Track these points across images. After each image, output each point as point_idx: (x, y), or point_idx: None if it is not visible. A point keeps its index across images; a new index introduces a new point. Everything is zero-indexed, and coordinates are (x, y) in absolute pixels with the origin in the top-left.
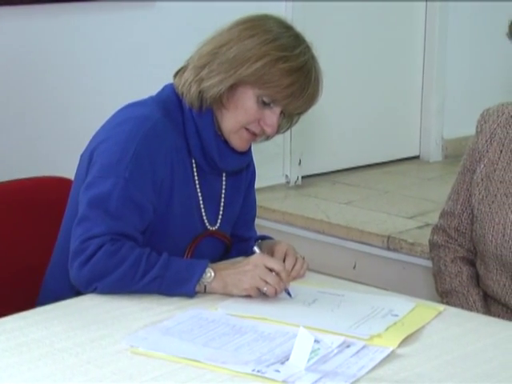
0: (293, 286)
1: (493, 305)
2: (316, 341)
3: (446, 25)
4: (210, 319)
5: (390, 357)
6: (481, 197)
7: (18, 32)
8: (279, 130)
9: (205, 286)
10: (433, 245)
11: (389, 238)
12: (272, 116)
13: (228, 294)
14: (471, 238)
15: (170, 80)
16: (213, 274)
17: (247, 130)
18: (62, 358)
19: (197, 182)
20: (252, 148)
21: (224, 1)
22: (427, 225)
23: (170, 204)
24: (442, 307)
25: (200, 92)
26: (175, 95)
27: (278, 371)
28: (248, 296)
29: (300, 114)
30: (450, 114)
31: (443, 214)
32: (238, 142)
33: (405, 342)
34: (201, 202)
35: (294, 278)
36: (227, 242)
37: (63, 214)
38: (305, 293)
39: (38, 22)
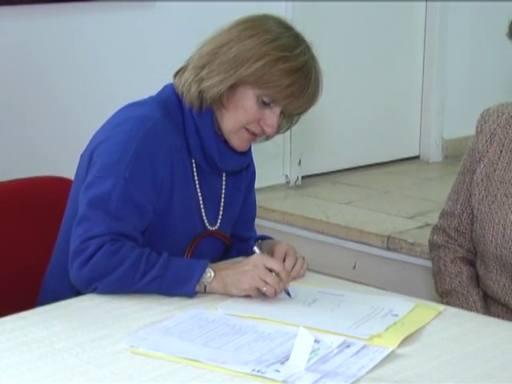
0: (293, 286)
1: (493, 305)
2: (316, 341)
3: (446, 25)
4: (210, 319)
5: (390, 357)
6: (481, 197)
7: (17, 32)
8: (279, 130)
9: (205, 286)
10: (433, 245)
11: (389, 238)
12: (272, 116)
13: (228, 294)
14: (471, 238)
15: (169, 80)
16: (213, 273)
17: (247, 130)
18: (62, 358)
19: (197, 182)
20: (252, 148)
21: (224, 1)
22: (427, 225)
23: (169, 204)
24: (441, 307)
25: (200, 92)
26: (175, 95)
27: (277, 371)
28: (248, 296)
29: (300, 114)
30: (450, 114)
31: (443, 214)
32: (237, 142)
33: (405, 342)
34: (201, 202)
35: (294, 278)
36: (227, 242)
37: (63, 214)
38: (305, 293)
39: (38, 21)
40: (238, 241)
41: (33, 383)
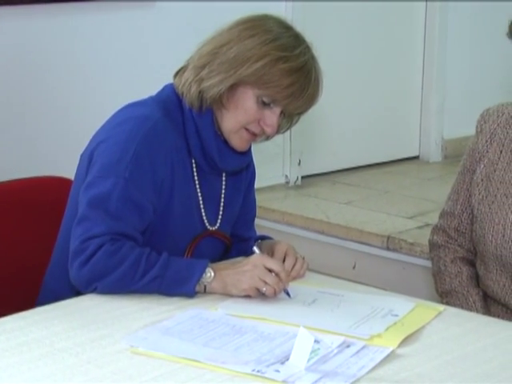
0: (293, 286)
1: (492, 305)
2: (316, 341)
3: (446, 25)
4: (209, 319)
5: (390, 357)
6: (481, 197)
7: (18, 32)
8: (279, 130)
9: (205, 286)
10: (433, 245)
11: (388, 238)
12: (272, 116)
13: (227, 294)
14: (471, 238)
15: (170, 80)
16: (212, 273)
17: (247, 130)
18: (62, 358)
19: (197, 181)
20: (252, 148)
21: (224, 1)
22: (427, 225)
23: (170, 204)
24: (441, 307)
25: (200, 92)
26: (175, 95)
27: (277, 371)
28: (248, 296)
29: (300, 114)
30: (450, 114)
31: (443, 214)
32: (237, 142)
33: (405, 342)
34: (201, 201)
35: (294, 278)
36: (227, 242)
37: (63, 213)
38: (305, 293)
39: (38, 21)
40: (237, 241)
41: (33, 383)
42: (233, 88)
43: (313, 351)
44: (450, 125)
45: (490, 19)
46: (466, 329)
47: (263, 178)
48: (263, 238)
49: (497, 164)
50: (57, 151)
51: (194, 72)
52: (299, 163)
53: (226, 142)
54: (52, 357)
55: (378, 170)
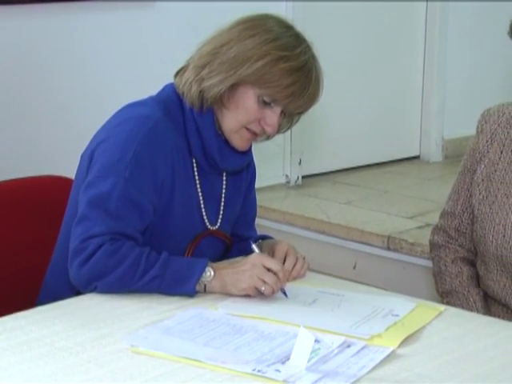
0: (293, 286)
1: (493, 305)
2: (316, 341)
3: (447, 25)
4: (210, 319)
5: (391, 357)
6: (481, 197)
7: (18, 31)
8: (280, 129)
9: (205, 286)
10: (433, 245)
11: (389, 238)
12: (272, 116)
13: (227, 294)
14: (471, 238)
15: (170, 80)
16: (212, 273)
17: (248, 129)
18: (63, 357)
19: (197, 181)
20: (252, 148)
21: (224, 1)
22: (427, 225)
23: (170, 204)
24: (442, 307)
25: (201, 92)
26: (176, 95)
27: (278, 371)
28: (248, 295)
29: (300, 113)
30: (451, 114)
31: (443, 214)
32: (238, 141)
33: (405, 342)
34: (201, 201)
35: (295, 278)
36: (227, 242)
37: (63, 213)
38: (305, 293)
39: (38, 21)
40: (238, 240)
41: (33, 382)
42: (233, 88)
43: (313, 351)
44: (451, 125)
45: (491, 19)
46: (467, 329)
47: (264, 177)
48: (264, 237)
49: (497, 164)
50: (57, 151)
51: (194, 72)
52: (300, 163)
53: (226, 142)
54: (52, 356)
55: (378, 170)
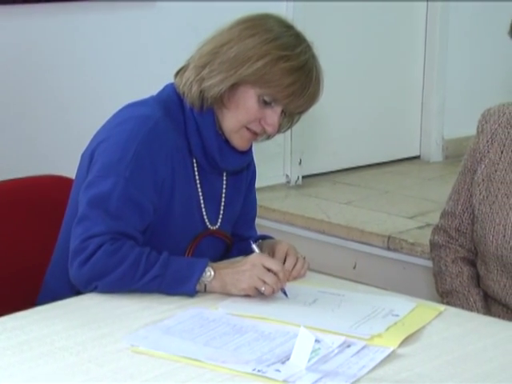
0: (293, 286)
1: (493, 305)
2: (317, 340)
3: (447, 25)
4: (210, 319)
5: (391, 357)
6: (481, 197)
7: (18, 31)
8: (280, 129)
9: (205, 285)
10: (433, 245)
11: (389, 237)
12: (273, 115)
13: (227, 293)
14: (472, 238)
15: (170, 79)
16: (212, 272)
17: (248, 129)
18: (63, 357)
19: (198, 181)
20: (253, 147)
21: (224, 1)
22: (428, 225)
23: (170, 203)
24: (442, 307)
25: (201, 91)
26: (176, 95)
27: (278, 371)
28: (248, 295)
29: (301, 113)
30: (451, 114)
31: (444, 214)
32: (238, 141)
33: (405, 342)
34: (201, 201)
35: (295, 278)
36: (228, 242)
37: (63, 213)
38: (305, 293)
39: (39, 21)
40: (238, 240)
41: (34, 382)
42: (234, 87)
43: (313, 351)
44: (451, 125)
45: (491, 19)
46: (467, 329)
47: (264, 177)
48: (264, 237)
49: (498, 164)
50: (57, 150)
51: (194, 72)
52: (300, 163)
53: (226, 142)
54: (53, 356)
55: (378, 170)
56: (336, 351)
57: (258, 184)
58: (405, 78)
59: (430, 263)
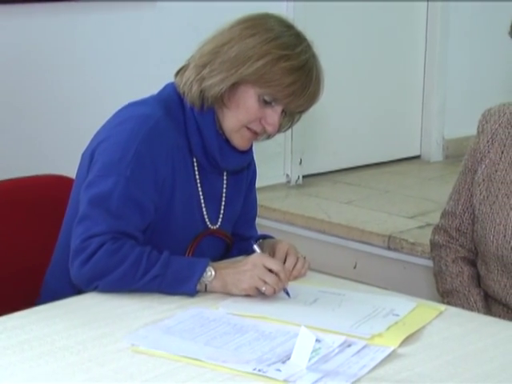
0: (293, 286)
1: (493, 305)
2: (317, 340)
3: (448, 25)
4: (211, 318)
5: (391, 356)
6: (482, 197)
7: (19, 31)
8: (280, 128)
9: (205, 285)
10: (434, 245)
11: (389, 237)
12: (273, 115)
13: (228, 293)
14: (472, 238)
15: (171, 79)
16: (213, 272)
17: (248, 128)
18: (63, 356)
19: (198, 180)
20: (253, 147)
21: (225, 1)
22: (428, 225)
23: (171, 203)
24: (442, 307)
25: (201, 91)
26: (176, 94)
27: (279, 370)
28: (248, 295)
29: (301, 112)
30: (451, 114)
31: (444, 214)
32: (239, 140)
33: (406, 341)
34: (202, 200)
35: (296, 278)
36: (228, 241)
37: (64, 212)
38: (306, 292)
39: (39, 20)
40: (238, 240)
41: (34, 381)
42: (234, 87)
43: (314, 350)
44: (451, 124)
45: (491, 19)
46: (467, 329)
47: (264, 177)
48: (264, 237)
49: (498, 164)
50: (58, 150)
51: (195, 71)
52: (300, 162)
53: (227, 141)
54: (53, 355)
55: (379, 170)
56: (336, 351)
57: (258, 183)
58: (405, 78)
59: (430, 263)
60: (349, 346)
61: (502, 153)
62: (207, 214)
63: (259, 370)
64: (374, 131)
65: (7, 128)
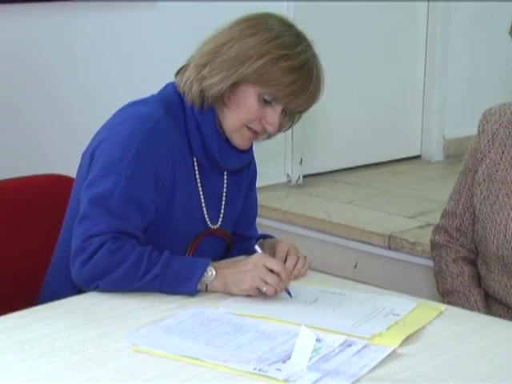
0: (294, 285)
1: (494, 305)
2: (317, 340)
3: (448, 25)
4: (211, 318)
5: (391, 356)
6: (482, 197)
7: (19, 30)
8: (281, 128)
9: (206, 285)
10: (434, 244)
11: (390, 237)
12: (273, 114)
13: (228, 293)
14: (473, 238)
15: (171, 79)
16: (214, 272)
17: (249, 128)
18: (64, 356)
19: (198, 180)
20: (254, 147)
21: (225, 1)
22: (428, 224)
23: (171, 202)
24: (443, 307)
25: (201, 90)
26: (177, 94)
27: (279, 370)
28: (249, 295)
29: (301, 112)
30: (452, 114)
31: (445, 214)
32: (239, 140)
33: (406, 341)
34: (202, 200)
35: (296, 277)
36: (228, 241)
37: (64, 212)
38: (306, 292)
39: (40, 20)
40: (239, 239)
41: (34, 381)
42: (234, 86)
43: (314, 350)
44: (452, 124)
45: (492, 19)
46: (468, 328)
47: (265, 176)
48: (265, 236)
49: (499, 164)
50: (58, 150)
51: (195, 71)
52: (301, 162)
53: (227, 141)
54: (53, 354)
55: (379, 170)
56: (337, 350)
57: (258, 183)
58: (406, 78)
59: (430, 263)
60: (349, 345)
61: (503, 153)
62: (207, 213)
63: (259, 370)
64: (375, 131)
65: (7, 128)
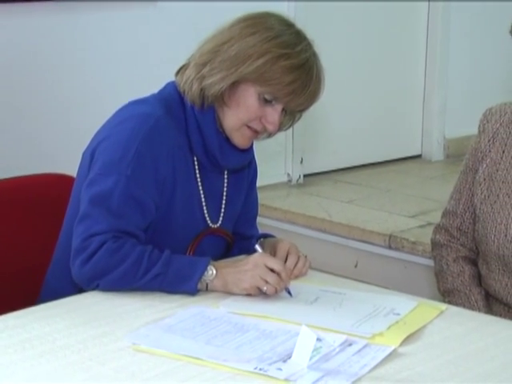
0: (294, 285)
1: (494, 304)
2: (318, 339)
3: (449, 24)
4: (211, 317)
5: (392, 355)
6: (483, 196)
7: (19, 30)
8: (281, 127)
9: (206, 284)
10: (435, 244)
11: (390, 236)
12: (274, 113)
13: (229, 293)
14: (473, 237)
15: (171, 78)
16: (214, 271)
17: (249, 127)
18: (64, 355)
19: (198, 179)
20: (254, 146)
21: (225, 0)
22: (429, 224)
23: (172, 201)
24: (443, 306)
25: (202, 90)
26: (177, 93)
27: (280, 369)
28: (249, 294)
29: (302, 111)
30: (452, 113)
31: (445, 214)
32: (239, 139)
33: (406, 340)
34: (202, 199)
35: (296, 277)
36: (229, 240)
37: (65, 211)
38: (307, 291)
39: (40, 20)
40: (239, 239)
41: (35, 380)
42: (234, 85)
43: (315, 349)
44: (452, 124)
45: (492, 19)
46: (468, 328)
47: (265, 176)
48: (265, 236)
49: (499, 163)
50: (58, 149)
51: (195, 70)
52: (301, 161)
53: (227, 140)
54: (54, 354)
55: (380, 169)
56: (337, 350)
57: (259, 182)
58: (406, 77)
59: (431, 262)
60: (350, 345)
61: (503, 152)
62: (208, 212)
63: (260, 369)
64: (375, 130)
65: (7, 127)
